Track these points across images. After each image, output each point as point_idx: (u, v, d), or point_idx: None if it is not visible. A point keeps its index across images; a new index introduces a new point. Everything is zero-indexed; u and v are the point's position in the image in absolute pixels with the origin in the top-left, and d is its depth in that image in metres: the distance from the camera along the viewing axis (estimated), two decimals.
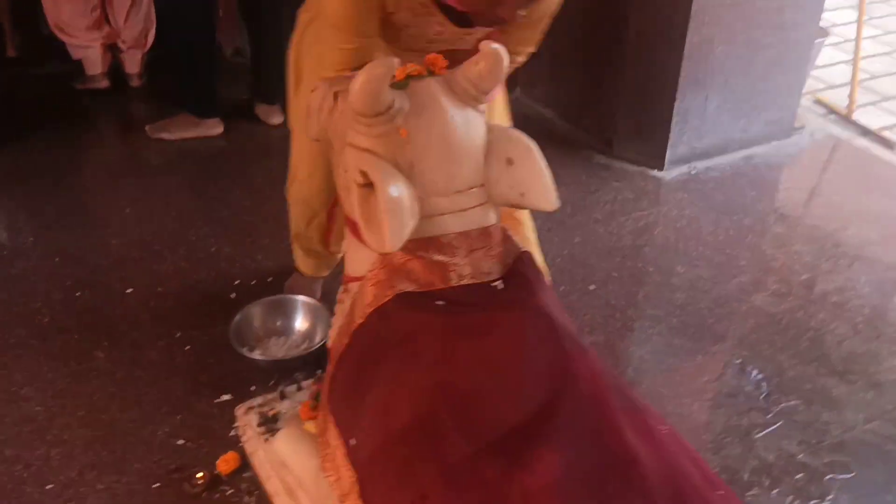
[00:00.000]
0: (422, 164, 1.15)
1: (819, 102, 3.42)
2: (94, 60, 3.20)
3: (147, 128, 2.96)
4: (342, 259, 1.96)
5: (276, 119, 3.07)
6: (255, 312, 1.98)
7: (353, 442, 1.12)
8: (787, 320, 2.17)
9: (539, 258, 1.75)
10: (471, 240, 1.17)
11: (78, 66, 3.24)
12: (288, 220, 2.00)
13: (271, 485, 1.53)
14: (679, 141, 2.82)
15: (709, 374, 2.00)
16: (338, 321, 1.33)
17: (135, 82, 3.32)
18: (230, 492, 1.60)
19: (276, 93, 3.08)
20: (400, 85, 1.16)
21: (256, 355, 1.88)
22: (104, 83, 3.26)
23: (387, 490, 1.04)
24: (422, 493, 0.98)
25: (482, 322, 1.08)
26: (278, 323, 2.00)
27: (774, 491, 1.68)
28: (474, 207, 1.19)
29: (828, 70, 3.74)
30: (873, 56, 3.98)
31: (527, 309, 1.10)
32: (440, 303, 1.11)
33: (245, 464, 1.64)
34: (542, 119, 3.17)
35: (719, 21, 2.63)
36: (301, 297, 2.01)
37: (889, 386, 1.97)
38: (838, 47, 3.93)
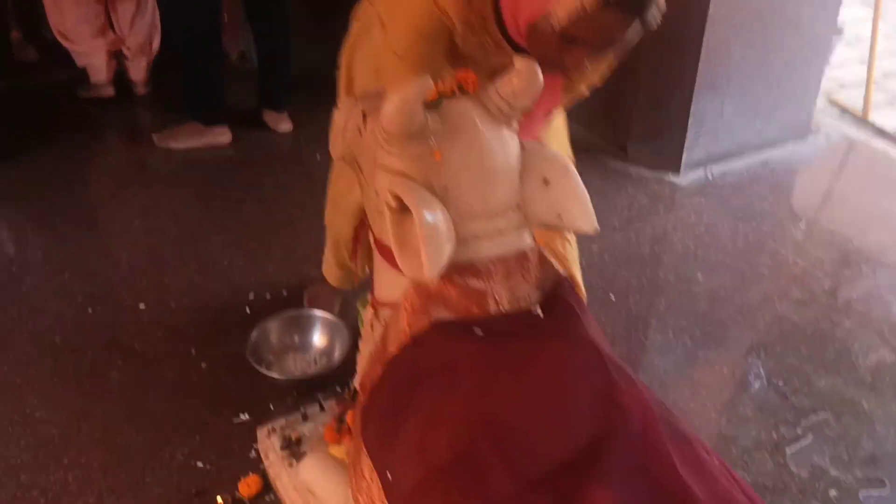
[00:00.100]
0: (457, 187, 1.11)
1: (833, 103, 3.38)
2: (98, 68, 3.16)
3: (154, 136, 2.91)
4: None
5: (285, 126, 3.03)
6: (272, 328, 1.95)
7: (389, 476, 1.08)
8: (811, 330, 2.13)
9: (579, 278, 1.72)
10: (508, 264, 1.13)
11: (82, 74, 3.19)
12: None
13: None
14: (695, 145, 2.78)
15: (735, 386, 1.96)
16: (367, 347, 1.29)
17: (140, 90, 3.27)
18: None
19: (284, 100, 3.04)
20: (433, 105, 1.12)
21: (275, 374, 1.84)
22: (109, 91, 3.21)
23: None
24: None
25: (525, 353, 1.04)
26: (296, 339, 1.96)
27: None
28: (510, 230, 1.15)
29: (840, 69, 3.70)
30: (887, 54, 3.94)
31: (571, 339, 1.06)
32: (479, 332, 1.07)
33: (267, 487, 1.61)
34: None
35: (736, 23, 2.59)
36: (319, 313, 1.97)
37: None
38: (849, 45, 3.88)
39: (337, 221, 1.83)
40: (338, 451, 1.48)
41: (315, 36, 3.26)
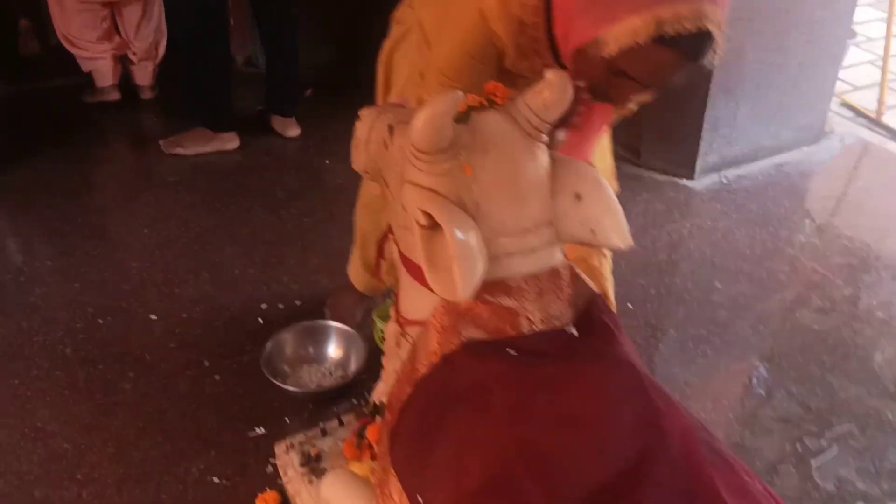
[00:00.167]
0: (489, 203, 1.07)
1: (846, 105, 3.35)
2: (104, 73, 3.13)
3: (161, 143, 2.88)
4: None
5: (293, 131, 3.00)
6: (287, 339, 1.92)
7: (420, 500, 1.05)
8: (833, 338, 2.10)
9: (611, 293, 1.69)
10: (540, 282, 1.09)
11: (87, 79, 3.16)
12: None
13: None
14: (709, 149, 2.76)
15: (757, 397, 1.93)
16: (391, 364, 1.26)
17: (146, 95, 3.24)
18: None
19: (292, 104, 3.01)
20: (462, 117, 1.09)
21: (290, 386, 1.81)
22: (115, 96, 3.19)
23: None
24: None
25: (560, 374, 1.01)
26: (310, 350, 1.93)
27: None
28: (542, 247, 1.12)
29: (853, 71, 3.67)
30: None
31: (609, 360, 1.03)
32: (512, 352, 1.04)
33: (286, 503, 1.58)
34: None
35: (750, 26, 2.55)
36: (334, 324, 1.94)
37: None
38: (860, 46, 3.85)
39: (367, 219, 1.80)
40: (358, 467, 1.45)
41: (322, 39, 3.23)
